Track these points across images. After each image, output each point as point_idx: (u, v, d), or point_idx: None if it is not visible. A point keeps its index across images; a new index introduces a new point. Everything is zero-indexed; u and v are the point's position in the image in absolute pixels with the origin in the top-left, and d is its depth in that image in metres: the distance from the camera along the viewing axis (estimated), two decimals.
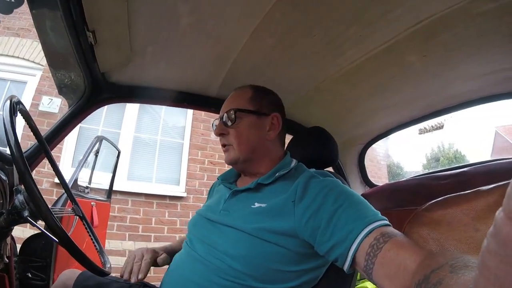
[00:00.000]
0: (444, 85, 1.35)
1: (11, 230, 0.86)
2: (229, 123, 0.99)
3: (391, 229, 0.67)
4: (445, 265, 0.45)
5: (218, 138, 1.05)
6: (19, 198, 0.75)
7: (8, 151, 0.75)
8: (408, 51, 1.13)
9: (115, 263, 3.57)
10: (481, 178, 1.25)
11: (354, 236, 0.67)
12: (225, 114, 1.00)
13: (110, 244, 3.55)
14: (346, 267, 0.69)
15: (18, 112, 0.80)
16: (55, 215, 0.67)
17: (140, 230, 3.82)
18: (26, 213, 0.73)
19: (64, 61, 1.13)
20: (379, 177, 6.74)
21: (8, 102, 0.75)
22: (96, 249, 1.02)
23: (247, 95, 1.03)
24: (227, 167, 1.10)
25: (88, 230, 1.08)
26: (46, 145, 1.05)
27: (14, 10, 0.92)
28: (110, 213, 2.89)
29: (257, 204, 0.89)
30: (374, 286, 1.11)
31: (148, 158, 4.29)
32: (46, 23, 0.95)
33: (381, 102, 1.55)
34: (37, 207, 0.67)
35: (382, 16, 0.96)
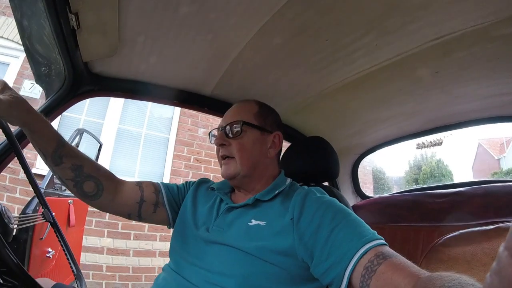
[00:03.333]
0: (450, 102, 1.34)
1: None
2: (232, 135, 0.96)
3: (387, 249, 0.66)
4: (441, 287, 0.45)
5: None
6: None
7: None
8: (421, 65, 1.09)
9: (93, 261, 3.46)
10: (477, 200, 1.25)
11: (349, 257, 0.66)
12: (229, 125, 0.97)
13: (87, 241, 3.43)
14: None
15: None
16: (25, 224, 0.56)
17: (120, 227, 3.69)
18: None
19: (42, 47, 1.00)
20: (364, 183, 6.91)
21: None
22: (72, 270, 0.90)
23: (253, 109, 1.02)
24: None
25: (61, 242, 0.96)
26: (16, 142, 0.92)
27: None
28: (89, 208, 2.77)
29: (254, 222, 0.85)
30: None
31: (131, 151, 4.17)
32: (23, 1, 0.83)
33: (382, 113, 1.52)
34: None
35: (401, 26, 0.92)
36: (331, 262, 0.69)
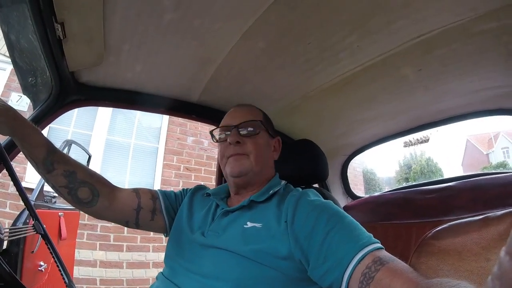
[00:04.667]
0: (434, 99, 1.36)
1: None
2: (248, 133, 0.97)
3: (384, 253, 0.66)
4: None
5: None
6: None
7: None
8: (404, 64, 1.11)
9: (86, 274, 3.39)
10: (466, 194, 1.27)
11: (347, 262, 0.66)
12: (244, 124, 0.97)
13: (80, 254, 3.36)
14: None
15: None
16: (15, 236, 0.55)
17: (112, 239, 3.64)
18: None
19: (29, 57, 1.00)
20: (355, 184, 6.92)
21: None
22: (64, 281, 0.89)
23: (260, 113, 1.05)
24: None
25: (52, 253, 0.95)
26: (5, 154, 0.90)
27: None
28: (80, 221, 2.76)
29: (250, 224, 0.84)
30: None
31: (121, 162, 4.13)
32: (9, 11, 0.83)
33: (368, 113, 1.54)
34: None
35: (384, 26, 0.93)
36: (328, 266, 0.69)
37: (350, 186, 2.13)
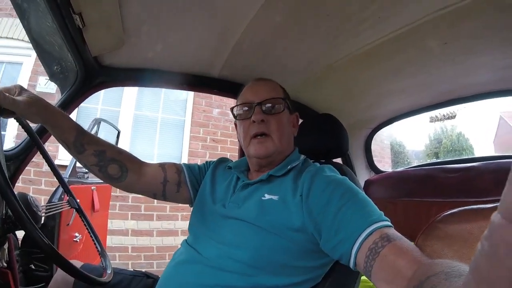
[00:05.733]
0: (462, 73, 1.29)
1: (8, 237, 0.82)
2: (273, 111, 0.96)
3: (392, 231, 0.67)
4: (440, 273, 0.45)
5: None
6: None
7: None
8: (428, 37, 1.05)
9: (118, 243, 3.62)
10: (489, 176, 1.24)
11: (356, 236, 0.68)
12: (269, 101, 0.96)
13: (112, 224, 3.57)
14: (351, 265, 0.70)
15: (1, 116, 0.72)
16: (51, 212, 0.61)
17: (143, 209, 3.83)
18: None
19: (52, 47, 1.04)
20: (382, 157, 6.65)
21: None
22: (97, 249, 0.97)
23: (280, 88, 1.03)
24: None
25: (86, 225, 1.03)
26: (38, 138, 0.98)
27: None
28: (112, 193, 2.89)
29: (267, 196, 0.88)
30: None
31: (149, 135, 4.25)
32: (29, 7, 0.86)
33: (393, 85, 1.49)
34: (22, 227, 0.62)
35: None
36: (339, 239, 0.71)
37: (376, 159, 2.10)
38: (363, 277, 1.97)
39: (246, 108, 0.98)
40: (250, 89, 1.02)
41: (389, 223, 0.69)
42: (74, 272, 0.68)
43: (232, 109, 1.03)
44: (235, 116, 1.02)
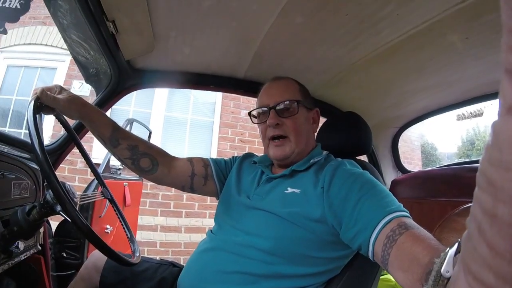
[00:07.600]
0: (487, 69, 1.24)
1: (44, 221, 0.88)
2: (288, 114, 0.98)
3: (410, 220, 0.67)
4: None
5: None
6: (51, 193, 0.76)
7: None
8: (449, 32, 1.03)
9: (147, 238, 3.76)
10: None
11: (374, 224, 0.68)
12: (282, 104, 0.98)
13: (142, 220, 3.71)
14: (370, 255, 0.70)
15: (42, 113, 0.80)
16: (86, 201, 0.67)
17: (172, 206, 3.96)
18: (58, 208, 0.74)
19: (88, 52, 1.13)
20: (412, 159, 6.45)
21: (32, 102, 0.75)
22: (127, 235, 1.04)
23: (296, 87, 1.04)
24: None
25: (118, 214, 1.09)
26: (75, 134, 1.07)
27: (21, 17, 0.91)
28: (143, 191, 3.00)
29: (290, 189, 0.91)
30: None
31: (179, 136, 4.39)
32: (65, 17, 0.95)
33: (418, 84, 1.46)
34: (63, 206, 0.68)
35: None
36: (357, 229, 0.72)
37: (406, 161, 2.05)
38: (383, 276, 1.94)
39: (262, 112, 1.02)
40: (265, 92, 1.04)
41: (407, 214, 0.70)
42: (106, 250, 0.73)
43: (249, 113, 1.06)
44: (252, 120, 1.05)
